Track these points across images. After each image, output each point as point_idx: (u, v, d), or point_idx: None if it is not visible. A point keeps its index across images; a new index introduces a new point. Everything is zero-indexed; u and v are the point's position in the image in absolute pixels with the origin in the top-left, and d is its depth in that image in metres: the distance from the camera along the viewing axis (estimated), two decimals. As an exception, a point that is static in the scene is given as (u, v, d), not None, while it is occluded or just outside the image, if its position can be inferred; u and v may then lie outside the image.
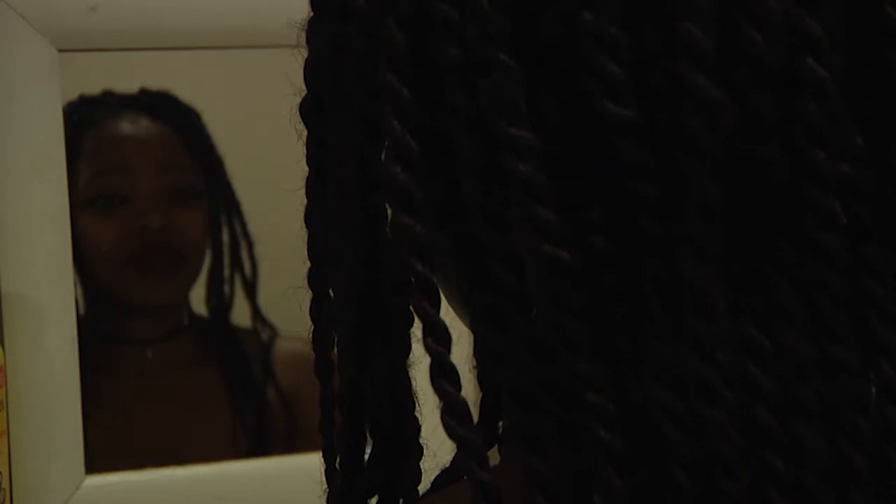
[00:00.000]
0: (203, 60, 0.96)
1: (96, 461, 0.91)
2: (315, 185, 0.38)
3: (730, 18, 0.28)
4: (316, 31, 0.36)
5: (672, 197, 0.29)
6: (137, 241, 0.96)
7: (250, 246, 1.00)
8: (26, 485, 0.88)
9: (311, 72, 0.37)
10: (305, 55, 0.37)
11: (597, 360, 0.30)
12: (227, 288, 1.01)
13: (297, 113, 0.37)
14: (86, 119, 0.95)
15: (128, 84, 0.97)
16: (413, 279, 0.31)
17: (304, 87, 0.37)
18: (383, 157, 0.32)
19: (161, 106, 0.98)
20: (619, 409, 0.30)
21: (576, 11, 0.29)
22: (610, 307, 0.30)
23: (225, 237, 1.00)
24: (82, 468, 0.90)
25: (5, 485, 0.85)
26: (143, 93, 0.98)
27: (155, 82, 0.98)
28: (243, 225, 1.00)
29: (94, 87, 0.95)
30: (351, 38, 0.33)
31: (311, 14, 0.36)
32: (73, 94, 0.93)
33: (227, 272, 1.00)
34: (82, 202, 0.93)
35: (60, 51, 0.89)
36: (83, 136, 0.95)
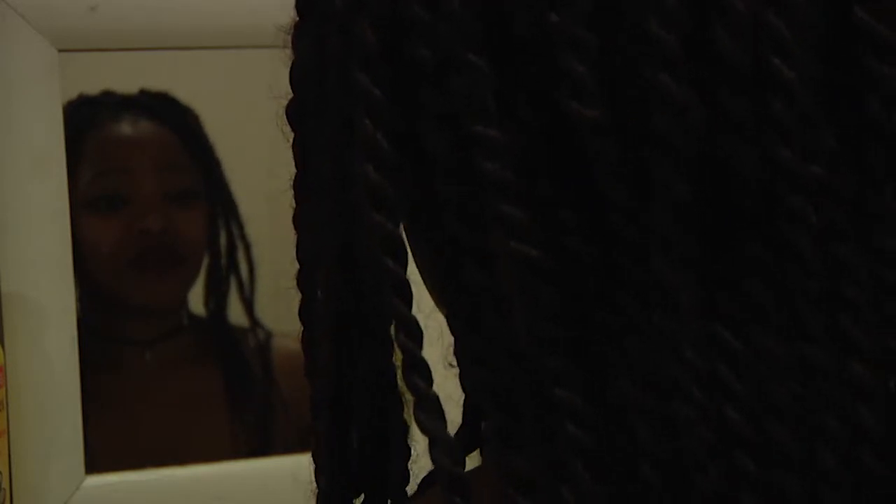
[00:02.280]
0: (203, 60, 0.96)
1: (96, 461, 0.91)
2: (301, 187, 0.38)
3: (699, 19, 0.29)
4: (300, 34, 0.36)
5: (643, 196, 0.29)
6: (137, 242, 0.96)
7: (247, 247, 1.00)
8: (26, 485, 0.88)
9: (296, 75, 0.37)
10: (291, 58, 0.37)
11: (568, 357, 0.30)
12: (224, 288, 1.01)
13: (284, 115, 0.38)
14: (85, 120, 0.95)
15: (128, 84, 0.97)
16: (384, 276, 0.31)
17: (290, 89, 0.38)
18: (354, 158, 0.32)
19: (160, 107, 0.98)
20: (592, 406, 0.30)
21: (544, 13, 0.29)
22: (583, 305, 0.30)
23: (223, 238, 1.00)
24: (82, 468, 0.90)
25: (5, 485, 0.85)
26: (143, 94, 0.98)
27: (155, 82, 0.98)
28: (240, 226, 1.00)
29: (94, 87, 0.95)
30: (330, 41, 0.33)
31: (296, 18, 0.36)
32: (73, 95, 0.93)
33: (224, 273, 1.01)
34: (82, 203, 0.93)
35: (60, 51, 0.89)
36: (82, 137, 0.95)
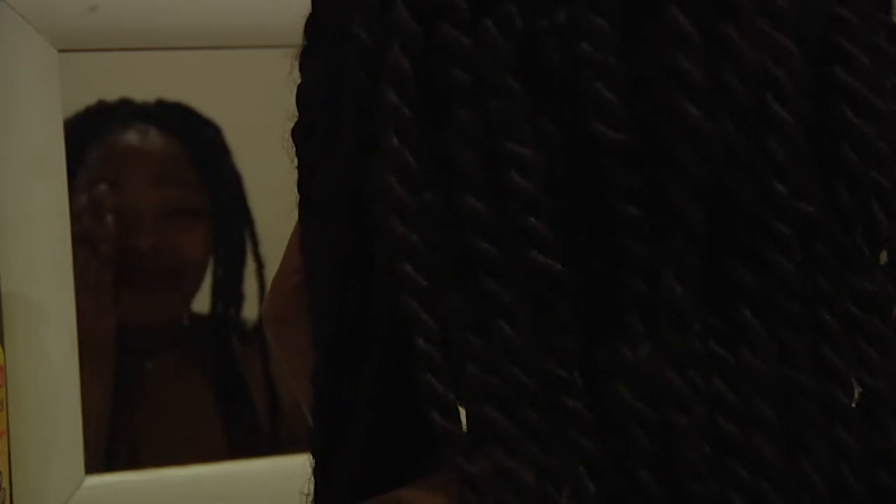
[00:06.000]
0: (205, 61, 0.96)
1: (96, 461, 0.91)
2: (307, 210, 0.39)
3: (713, 61, 0.31)
4: (310, 56, 0.37)
5: (658, 219, 0.31)
6: (131, 259, 0.96)
7: (256, 249, 1.00)
8: (26, 485, 0.88)
9: (304, 97, 0.38)
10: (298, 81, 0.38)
11: (575, 367, 0.32)
12: (231, 295, 1.00)
13: (289, 138, 0.38)
14: (82, 135, 0.94)
15: (128, 84, 0.97)
16: (407, 286, 0.32)
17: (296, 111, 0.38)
18: (377, 171, 0.33)
19: (166, 118, 0.97)
20: (594, 414, 0.32)
21: (576, 42, 0.31)
22: (591, 318, 0.32)
23: (231, 252, 1.00)
24: (82, 468, 0.90)
25: (5, 485, 0.85)
26: (129, 103, 0.97)
27: (155, 82, 0.98)
28: (254, 239, 1.00)
29: (94, 88, 0.95)
30: (349, 63, 0.34)
31: (305, 41, 0.37)
32: (74, 95, 0.92)
33: (233, 283, 1.00)
34: (78, 216, 0.92)
35: (60, 51, 0.89)
36: (81, 151, 0.94)
